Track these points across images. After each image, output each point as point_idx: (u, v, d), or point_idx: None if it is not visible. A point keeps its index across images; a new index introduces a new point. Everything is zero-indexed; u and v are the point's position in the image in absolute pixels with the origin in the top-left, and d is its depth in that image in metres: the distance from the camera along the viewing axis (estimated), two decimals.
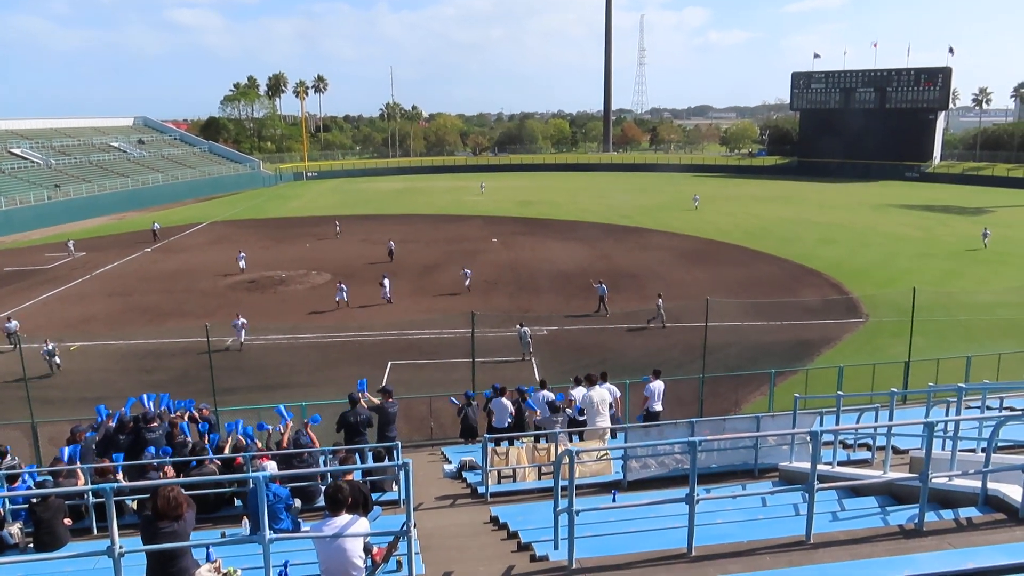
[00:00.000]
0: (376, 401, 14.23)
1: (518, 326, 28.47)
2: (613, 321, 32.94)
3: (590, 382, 14.37)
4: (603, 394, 14.19)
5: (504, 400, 16.31)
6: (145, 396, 14.18)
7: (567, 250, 50.60)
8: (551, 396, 15.61)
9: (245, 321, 29.79)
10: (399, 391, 23.61)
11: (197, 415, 14.25)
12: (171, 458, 11.33)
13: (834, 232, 57.65)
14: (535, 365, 27.01)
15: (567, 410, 14.84)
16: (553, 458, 12.32)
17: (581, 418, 15.34)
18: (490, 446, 12.36)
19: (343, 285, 36.35)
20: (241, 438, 12.86)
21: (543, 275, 42.78)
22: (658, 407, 17.35)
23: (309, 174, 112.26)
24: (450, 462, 15.25)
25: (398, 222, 65.22)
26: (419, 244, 53.60)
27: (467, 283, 37.48)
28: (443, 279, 41.87)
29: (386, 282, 36.79)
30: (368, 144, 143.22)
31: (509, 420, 16.31)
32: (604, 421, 14.06)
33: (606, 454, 12.19)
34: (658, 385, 17.42)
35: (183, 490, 7.03)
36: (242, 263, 42.84)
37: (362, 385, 14.52)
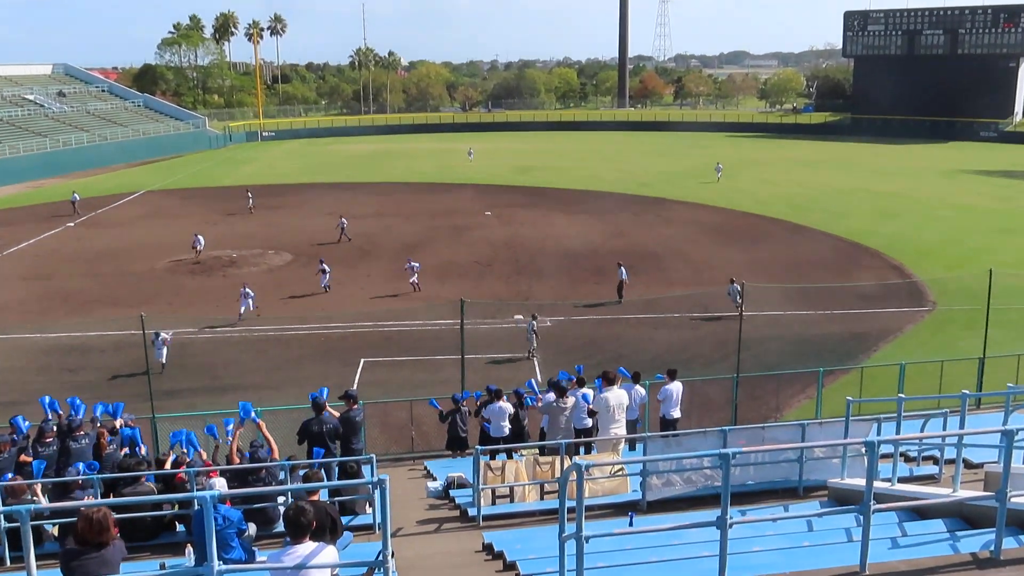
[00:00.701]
0: (335, 414, 14.07)
1: (530, 317, 28.35)
2: (630, 310, 32.99)
3: (607, 381, 14.36)
4: (620, 396, 14.20)
5: (501, 404, 16.32)
6: (64, 400, 14.13)
7: (574, 225, 50.69)
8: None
9: (252, 293, 32.03)
10: (373, 393, 23.82)
11: (121, 423, 14.19)
12: (100, 474, 11.30)
13: (895, 203, 57.72)
14: (536, 364, 27.06)
15: (579, 395, 14.74)
16: (558, 474, 12.34)
17: (586, 421, 15.45)
18: (483, 460, 12.38)
19: (327, 267, 36.35)
20: (184, 450, 12.85)
21: (546, 255, 42.88)
22: (675, 413, 17.36)
23: (265, 134, 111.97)
24: (435, 478, 15.26)
25: (372, 192, 65.24)
26: (398, 219, 53.64)
27: (414, 279, 35.77)
28: (427, 260, 41.88)
29: (325, 268, 36.37)
30: (336, 98, 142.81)
31: (507, 429, 16.34)
32: (619, 428, 14.07)
33: (621, 469, 12.21)
34: (675, 388, 17.41)
35: (113, 513, 7.01)
36: (199, 245, 42.42)
37: (322, 394, 14.42)
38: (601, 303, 33.92)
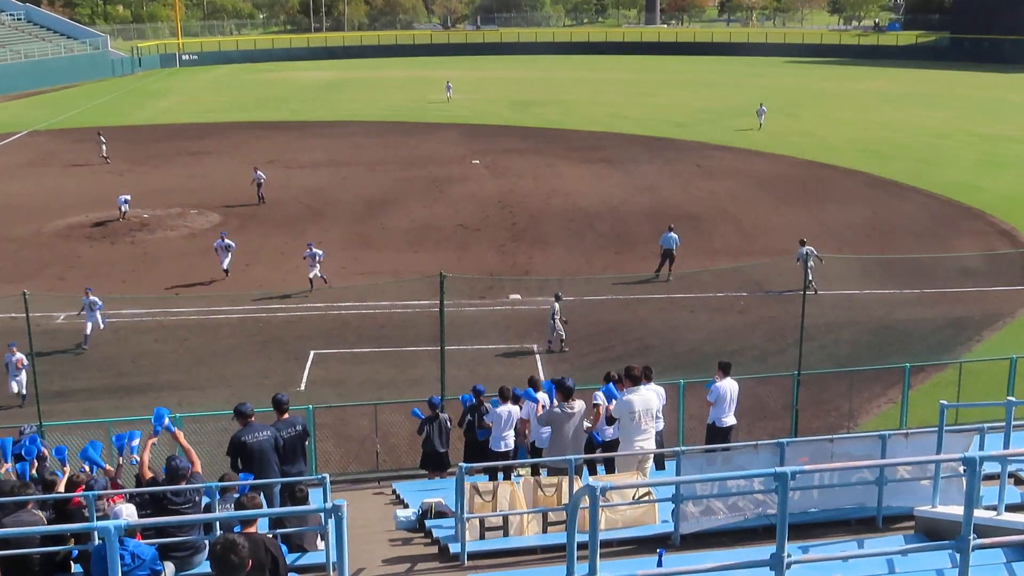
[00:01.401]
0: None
1: (552, 299, 28.11)
2: (660, 289, 33.04)
3: (632, 380, 14.36)
4: (648, 399, 14.20)
5: (510, 409, 16.53)
6: None
7: (588, 178, 50.72)
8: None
9: (99, 301, 28.28)
10: (326, 395, 23.98)
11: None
12: None
13: (1006, 150, 57.71)
14: (538, 358, 27.12)
15: (601, 406, 14.89)
16: (566, 499, 12.36)
17: (608, 433, 15.39)
18: (468, 481, 12.38)
19: (229, 242, 34.21)
20: (86, 467, 12.85)
21: (551, 216, 42.92)
22: (728, 420, 17.48)
23: (185, 57, 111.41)
24: (406, 505, 15.29)
25: (324, 134, 65.17)
26: (358, 169, 53.68)
27: (315, 272, 32.77)
28: (397, 223, 41.85)
29: (228, 243, 34.10)
30: (277, 10, 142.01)
31: (511, 440, 16.60)
32: (647, 441, 14.09)
33: (649, 493, 12.23)
34: (728, 387, 17.50)
35: None
36: (124, 207, 42.07)
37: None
38: (637, 279, 33.90)
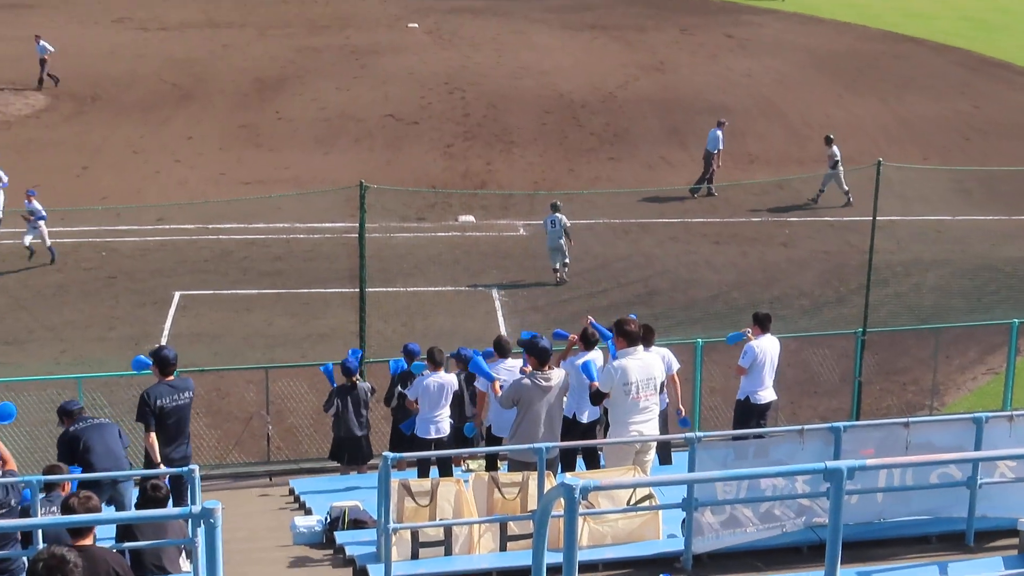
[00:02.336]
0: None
1: (550, 210, 27.89)
2: (672, 211, 33.03)
3: (626, 339, 14.36)
4: (650, 366, 14.18)
5: (441, 379, 16.39)
6: None
7: (572, 50, 50.54)
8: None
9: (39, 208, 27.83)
10: (195, 354, 23.60)
11: None
12: None
13: None
14: (498, 305, 27.09)
15: (577, 365, 14.87)
16: (533, 504, 12.39)
17: (590, 410, 15.49)
18: (396, 477, 12.36)
19: (37, 207, 29.00)
20: None
21: (519, 104, 42.79)
22: (767, 395, 17.50)
23: None
24: (308, 511, 15.32)
25: None
26: (247, 33, 53.26)
27: (36, 233, 28.99)
28: (299, 111, 41.50)
29: (35, 208, 29.17)
30: None
31: (446, 423, 16.57)
32: (648, 424, 14.13)
33: (650, 496, 12.27)
34: (768, 348, 17.51)
35: None
36: None
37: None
38: (633, 196, 33.81)
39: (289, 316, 26.47)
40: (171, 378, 14.35)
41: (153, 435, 13.83)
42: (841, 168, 33.16)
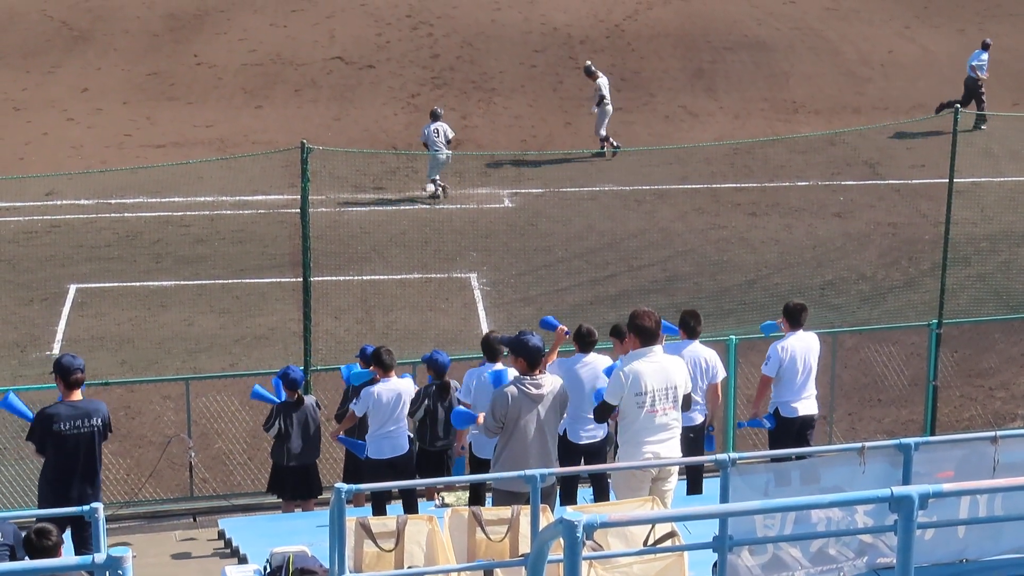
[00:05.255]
0: None
1: (428, 118, 28.09)
2: (698, 175, 33.08)
3: (642, 337, 14.40)
4: (670, 371, 14.23)
5: (397, 386, 16.48)
6: None
7: None
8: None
9: None
10: (98, 362, 23.44)
11: None
12: None
13: None
14: (478, 295, 27.14)
15: (579, 367, 14.95)
16: (526, 545, 12.42)
17: (593, 431, 15.59)
18: (353, 515, 12.36)
19: None
20: None
21: (500, 41, 42.72)
22: (804, 407, 17.49)
23: None
24: (243, 559, 15.39)
25: None
26: None
27: None
28: (222, 55, 41.40)
29: None
30: None
31: (404, 442, 16.66)
32: (667, 444, 14.17)
33: (674, 534, 12.29)
34: (800, 348, 17.50)
35: None
36: None
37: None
38: (648, 160, 33.87)
39: (215, 314, 26.54)
40: (76, 396, 14.25)
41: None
42: (609, 109, 34.18)
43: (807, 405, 17.33)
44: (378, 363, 16.73)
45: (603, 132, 33.88)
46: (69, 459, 14.13)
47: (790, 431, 17.27)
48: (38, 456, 14.03)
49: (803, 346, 17.33)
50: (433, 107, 31.90)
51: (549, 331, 16.14)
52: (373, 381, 16.88)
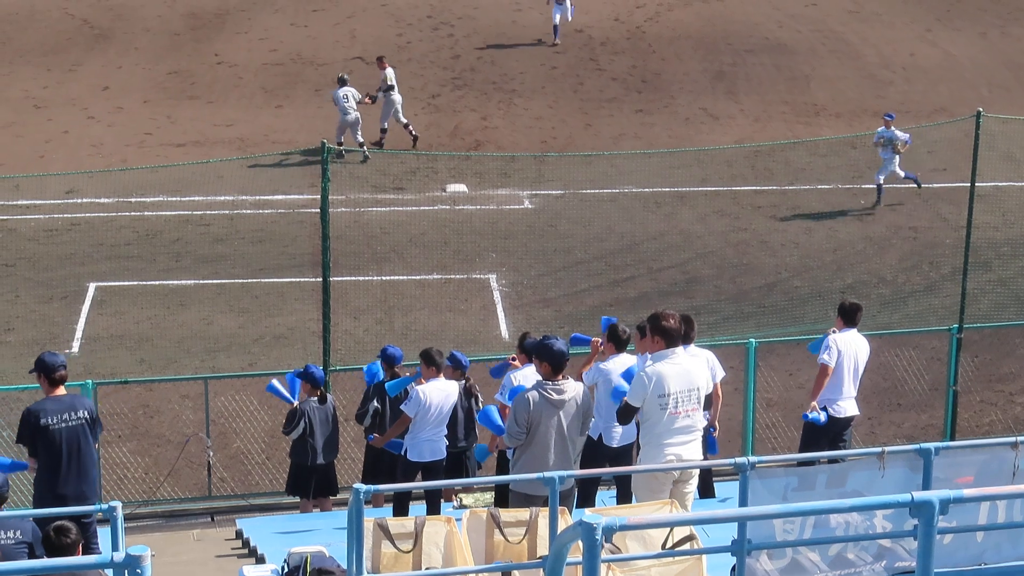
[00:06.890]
0: None
1: (342, 86, 28.14)
2: (717, 176, 33.02)
3: (664, 338, 14.36)
4: (691, 373, 14.20)
5: (441, 386, 16.45)
6: None
7: None
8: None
9: None
10: (116, 361, 23.73)
11: None
12: None
13: None
14: (497, 296, 27.10)
15: (606, 372, 14.90)
16: (544, 548, 12.38)
17: (615, 432, 15.63)
18: (372, 515, 12.33)
19: None
20: None
21: (522, 43, 42.58)
22: (848, 406, 17.33)
23: None
24: (261, 559, 15.40)
25: None
26: None
27: None
28: (242, 54, 41.43)
29: None
30: None
31: (443, 444, 16.66)
32: (689, 446, 14.14)
33: (692, 538, 12.26)
34: (853, 347, 17.43)
35: None
36: None
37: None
38: (668, 163, 33.83)
39: (234, 313, 26.54)
40: (60, 392, 14.27)
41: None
42: (398, 98, 34.75)
43: (851, 406, 17.31)
44: (427, 362, 16.64)
45: (385, 125, 35.10)
46: (59, 455, 14.06)
47: (831, 431, 17.20)
48: (32, 461, 14.01)
49: (854, 346, 17.32)
50: (340, 74, 34.23)
51: (582, 346, 16.14)
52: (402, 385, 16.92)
